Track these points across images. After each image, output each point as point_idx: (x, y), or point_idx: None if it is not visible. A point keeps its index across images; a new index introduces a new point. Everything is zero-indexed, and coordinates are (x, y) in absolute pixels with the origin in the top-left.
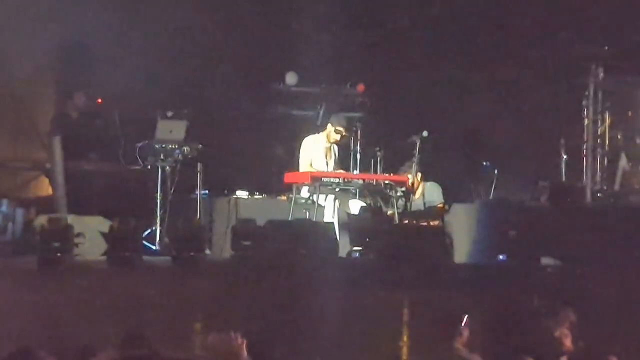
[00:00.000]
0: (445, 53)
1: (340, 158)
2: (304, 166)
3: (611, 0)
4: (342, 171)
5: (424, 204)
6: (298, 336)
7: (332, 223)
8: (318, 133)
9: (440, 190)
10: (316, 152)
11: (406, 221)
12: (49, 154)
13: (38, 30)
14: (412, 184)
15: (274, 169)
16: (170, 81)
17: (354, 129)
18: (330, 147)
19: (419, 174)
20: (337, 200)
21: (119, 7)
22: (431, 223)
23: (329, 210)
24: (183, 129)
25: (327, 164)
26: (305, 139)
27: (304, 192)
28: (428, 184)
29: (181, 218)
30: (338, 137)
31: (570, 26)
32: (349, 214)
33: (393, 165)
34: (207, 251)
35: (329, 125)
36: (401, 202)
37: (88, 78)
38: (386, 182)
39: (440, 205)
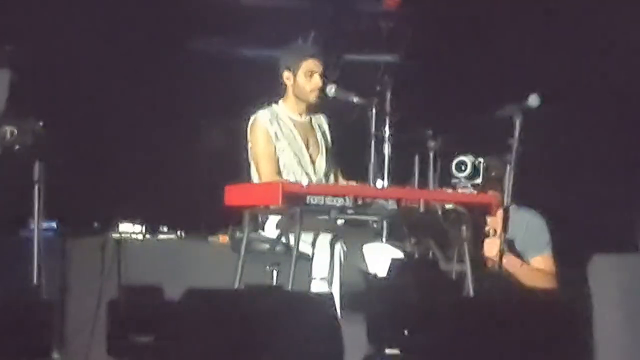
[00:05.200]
0: None
1: (335, 148)
2: (265, 172)
3: None
4: (347, 182)
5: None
6: None
7: (331, 295)
8: (276, 103)
9: (544, 225)
10: (283, 139)
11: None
12: None
13: None
14: (506, 210)
15: (201, 178)
16: None
17: (378, 89)
18: (309, 122)
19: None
20: (339, 244)
21: None
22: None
23: (322, 267)
24: (3, 87)
25: (311, 164)
26: (255, 117)
27: (269, 228)
28: (521, 212)
29: None
30: (315, 86)
31: None
32: (366, 274)
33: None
34: (56, 355)
35: (285, 70)
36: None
37: None
38: (448, 206)
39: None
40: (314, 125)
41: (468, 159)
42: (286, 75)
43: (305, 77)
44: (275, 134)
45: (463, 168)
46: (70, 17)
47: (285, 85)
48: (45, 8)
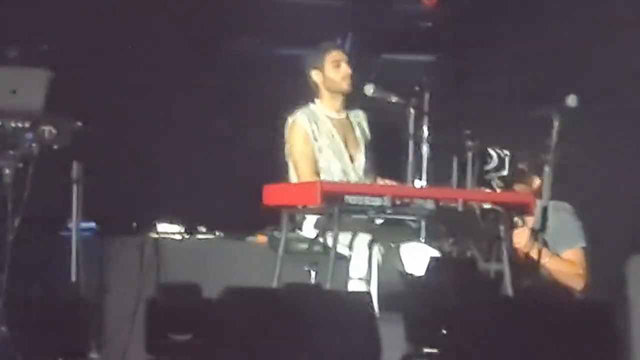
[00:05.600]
0: None
1: (374, 148)
2: (304, 172)
3: None
4: (385, 181)
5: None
6: None
7: (368, 293)
8: (313, 102)
9: (576, 219)
10: (322, 139)
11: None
12: None
13: None
14: (544, 210)
15: (239, 177)
16: None
17: (417, 88)
18: (347, 118)
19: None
20: (377, 245)
21: None
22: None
23: (360, 267)
24: (42, 86)
25: (350, 161)
26: (293, 118)
27: (307, 228)
28: (552, 205)
29: (37, 281)
30: (344, 74)
31: None
32: (404, 273)
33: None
34: (94, 354)
35: (312, 70)
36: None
37: None
38: (486, 206)
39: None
40: (352, 121)
41: (494, 151)
42: (315, 74)
43: (333, 69)
44: (314, 133)
45: (489, 160)
46: (109, 17)
47: (317, 85)
48: (83, 7)
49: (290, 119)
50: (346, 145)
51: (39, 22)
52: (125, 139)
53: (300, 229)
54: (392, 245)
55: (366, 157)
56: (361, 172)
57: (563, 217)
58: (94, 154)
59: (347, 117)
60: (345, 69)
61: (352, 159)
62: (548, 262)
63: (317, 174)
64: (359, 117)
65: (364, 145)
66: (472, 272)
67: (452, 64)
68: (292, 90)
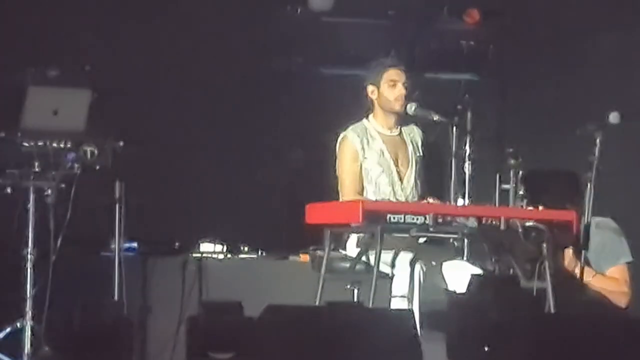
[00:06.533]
0: None
1: (425, 168)
2: (347, 190)
3: None
4: (430, 200)
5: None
6: None
7: (411, 312)
8: (366, 118)
9: (619, 236)
10: (371, 155)
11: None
12: None
13: None
14: (587, 227)
15: (282, 197)
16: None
17: (458, 108)
18: (400, 135)
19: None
20: (419, 263)
21: None
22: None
23: (402, 285)
24: (83, 106)
25: (400, 182)
26: (344, 134)
27: (351, 247)
28: (597, 221)
29: (79, 301)
30: (398, 94)
31: None
32: (446, 291)
33: (541, 186)
34: None
35: (369, 85)
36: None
37: None
38: (529, 223)
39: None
40: (405, 138)
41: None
42: (370, 89)
43: (388, 88)
44: (363, 149)
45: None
46: (152, 37)
47: (372, 100)
48: (124, 27)
49: (341, 134)
50: (396, 163)
51: (80, 42)
52: (167, 158)
53: (344, 248)
54: (434, 263)
55: (417, 175)
56: (409, 191)
57: (606, 235)
58: (136, 173)
59: (400, 134)
60: (400, 89)
61: (400, 177)
62: (591, 280)
63: (360, 192)
64: (413, 132)
65: (415, 163)
66: (514, 290)
67: (494, 83)
68: (335, 109)
